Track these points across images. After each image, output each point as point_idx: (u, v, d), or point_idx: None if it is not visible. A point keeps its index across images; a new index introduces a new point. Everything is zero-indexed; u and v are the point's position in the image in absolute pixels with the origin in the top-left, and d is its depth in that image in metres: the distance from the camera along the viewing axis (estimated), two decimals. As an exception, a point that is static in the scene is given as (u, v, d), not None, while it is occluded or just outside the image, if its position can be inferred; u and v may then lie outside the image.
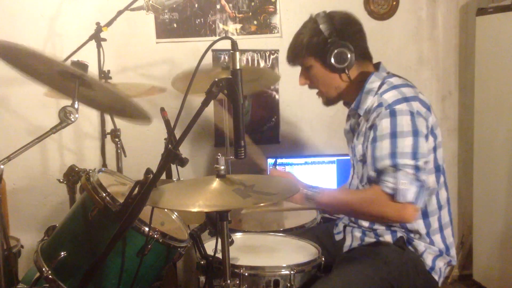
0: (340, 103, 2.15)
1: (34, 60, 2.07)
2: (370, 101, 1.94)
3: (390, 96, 1.87)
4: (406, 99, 1.85)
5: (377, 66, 2.06)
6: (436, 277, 1.96)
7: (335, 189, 2.07)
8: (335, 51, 1.93)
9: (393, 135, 1.80)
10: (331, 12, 2.00)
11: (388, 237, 1.96)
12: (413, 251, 1.94)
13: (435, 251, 1.95)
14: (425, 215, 1.94)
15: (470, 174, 3.34)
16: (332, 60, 1.94)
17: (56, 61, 2.04)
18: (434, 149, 1.92)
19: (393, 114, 1.82)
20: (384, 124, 1.82)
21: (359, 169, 2.00)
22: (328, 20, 1.95)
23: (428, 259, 1.94)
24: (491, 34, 3.06)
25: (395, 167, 1.78)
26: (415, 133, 1.81)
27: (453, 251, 2.01)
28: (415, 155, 1.79)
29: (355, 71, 1.99)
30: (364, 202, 1.86)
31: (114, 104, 2.16)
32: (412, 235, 1.95)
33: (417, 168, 1.78)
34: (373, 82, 1.96)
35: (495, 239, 3.13)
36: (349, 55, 1.93)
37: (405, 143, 1.79)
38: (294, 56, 2.04)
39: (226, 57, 3.01)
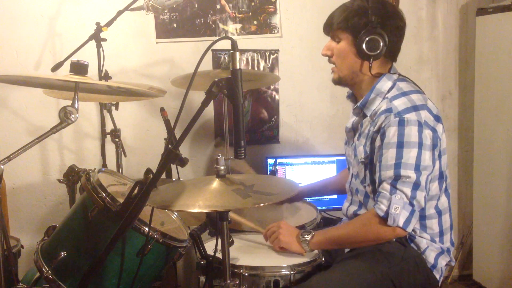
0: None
1: (32, 78, 2.12)
2: (378, 103, 1.93)
3: (400, 104, 1.86)
4: (415, 108, 1.85)
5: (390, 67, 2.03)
6: (437, 276, 1.96)
7: (327, 229, 2.03)
8: (371, 36, 1.88)
9: (400, 145, 1.81)
10: None
11: None
12: (415, 248, 1.94)
13: (438, 248, 1.95)
14: (422, 218, 1.93)
15: (470, 174, 3.34)
16: (364, 44, 1.89)
17: (51, 78, 2.09)
18: (439, 155, 1.92)
19: (401, 123, 1.81)
20: (392, 132, 1.82)
21: (361, 170, 1.99)
22: (377, 5, 1.90)
23: (430, 257, 1.94)
24: (491, 34, 3.06)
25: (394, 186, 1.79)
26: (421, 145, 1.81)
27: (451, 254, 2.01)
28: (418, 167, 1.79)
29: (376, 65, 1.95)
30: (360, 228, 1.87)
31: (118, 91, 2.18)
32: (413, 232, 1.94)
33: (415, 186, 1.78)
34: (384, 84, 1.94)
35: (495, 239, 3.13)
36: (381, 47, 1.89)
37: (410, 154, 1.79)
38: (330, 25, 1.98)
39: (226, 57, 3.01)
